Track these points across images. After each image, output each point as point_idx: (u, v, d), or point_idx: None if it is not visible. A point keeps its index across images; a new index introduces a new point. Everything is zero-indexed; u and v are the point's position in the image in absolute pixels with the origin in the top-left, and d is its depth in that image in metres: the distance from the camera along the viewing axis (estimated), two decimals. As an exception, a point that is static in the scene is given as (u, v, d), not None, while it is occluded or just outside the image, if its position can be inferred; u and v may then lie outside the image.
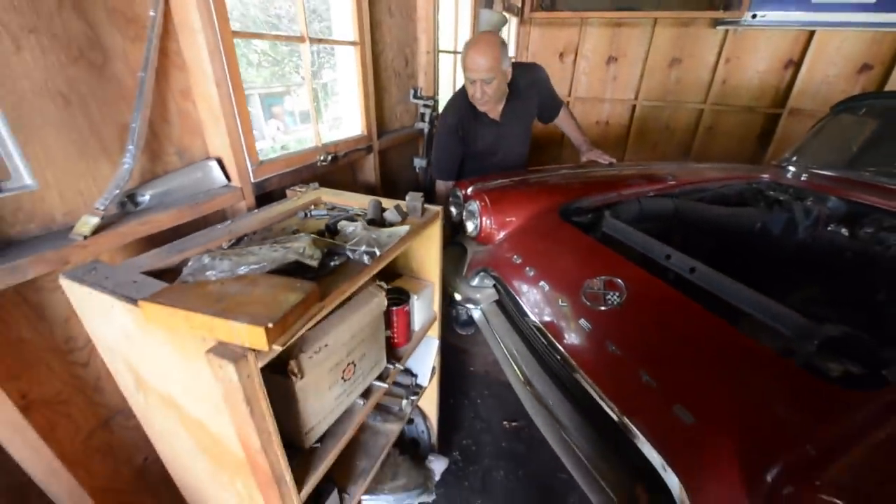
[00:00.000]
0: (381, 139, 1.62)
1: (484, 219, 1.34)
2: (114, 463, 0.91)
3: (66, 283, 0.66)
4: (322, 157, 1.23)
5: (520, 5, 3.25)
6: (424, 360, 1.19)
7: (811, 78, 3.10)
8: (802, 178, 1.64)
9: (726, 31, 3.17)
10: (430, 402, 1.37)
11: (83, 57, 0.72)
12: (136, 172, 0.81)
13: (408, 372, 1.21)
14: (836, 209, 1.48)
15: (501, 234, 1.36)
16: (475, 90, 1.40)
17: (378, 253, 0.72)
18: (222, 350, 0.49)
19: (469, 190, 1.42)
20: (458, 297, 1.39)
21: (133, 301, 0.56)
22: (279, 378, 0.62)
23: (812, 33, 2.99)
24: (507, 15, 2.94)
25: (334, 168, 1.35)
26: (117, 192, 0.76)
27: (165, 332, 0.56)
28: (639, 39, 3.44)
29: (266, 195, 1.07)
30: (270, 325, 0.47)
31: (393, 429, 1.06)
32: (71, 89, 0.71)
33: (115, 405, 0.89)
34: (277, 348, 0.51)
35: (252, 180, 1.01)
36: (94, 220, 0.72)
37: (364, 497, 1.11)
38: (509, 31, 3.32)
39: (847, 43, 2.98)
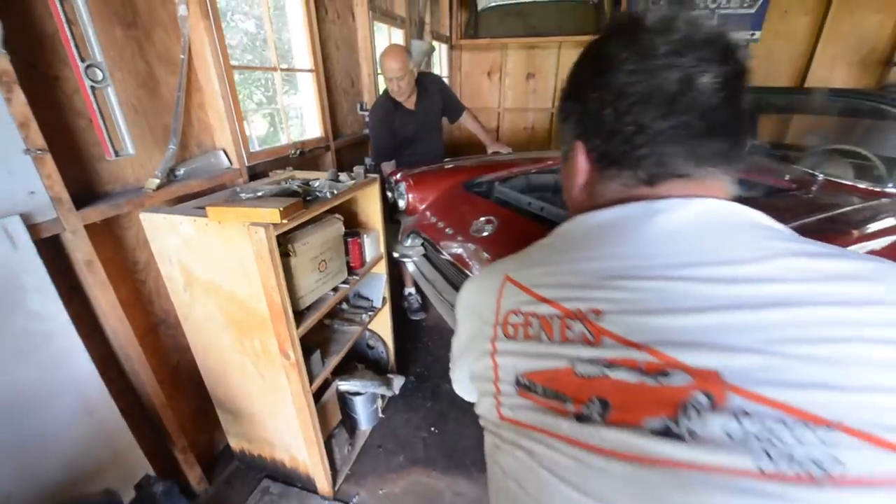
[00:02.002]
0: (336, 140, 2.12)
1: (409, 195, 1.85)
2: (157, 360, 1.32)
3: (144, 216, 1.11)
4: (293, 151, 1.71)
5: (448, 34, 3.88)
6: (377, 288, 1.67)
7: (682, 85, 3.90)
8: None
9: (615, 50, 3.94)
10: (386, 332, 1.85)
11: (144, 84, 1.18)
12: (175, 157, 1.26)
13: (365, 298, 1.69)
14: None
15: (423, 206, 1.87)
16: (393, 86, 1.93)
17: (336, 192, 1.21)
18: (255, 226, 0.96)
19: (398, 175, 1.93)
20: (396, 254, 1.88)
21: (202, 211, 1.03)
22: (282, 257, 1.09)
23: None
24: (436, 43, 3.55)
25: (302, 161, 1.83)
26: (165, 167, 1.22)
27: (217, 230, 1.02)
28: (549, 59, 4.17)
29: (255, 175, 1.54)
30: (281, 208, 0.96)
31: (355, 329, 1.53)
32: (139, 103, 1.17)
33: (160, 315, 1.31)
34: (285, 222, 0.99)
35: (246, 164, 1.48)
36: (156, 182, 1.17)
37: (339, 382, 1.56)
38: (440, 56, 3.95)
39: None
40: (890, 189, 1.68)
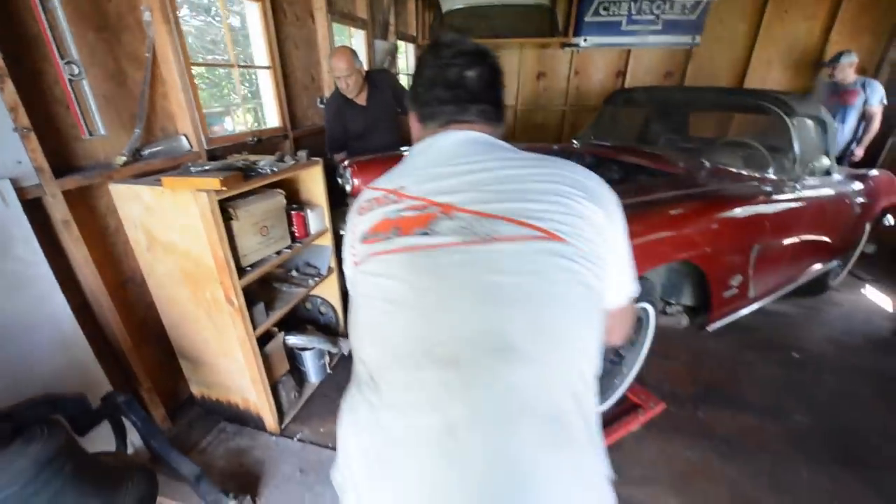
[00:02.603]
0: (295, 130, 2.36)
1: (354, 179, 2.09)
2: (126, 313, 1.55)
3: (112, 187, 1.35)
4: (251, 139, 1.96)
5: (415, 34, 4.13)
6: (323, 258, 1.92)
7: (634, 82, 4.21)
8: (574, 146, 2.56)
9: (572, 51, 4.22)
10: (336, 300, 2.09)
11: (114, 78, 1.42)
12: (140, 139, 1.50)
13: (313, 267, 1.94)
14: (595, 164, 2.38)
15: (367, 188, 2.13)
16: (342, 84, 2.15)
17: (276, 170, 1.46)
18: (200, 192, 1.21)
19: (346, 163, 2.17)
20: (342, 232, 2.12)
21: (159, 182, 1.27)
22: (226, 220, 1.33)
23: (629, 51, 4.10)
24: (402, 43, 3.80)
25: (261, 147, 2.07)
26: (132, 147, 1.45)
27: (171, 197, 1.26)
28: (512, 59, 4.44)
29: (215, 158, 1.77)
30: (221, 178, 1.20)
31: (301, 291, 1.77)
32: (109, 94, 1.40)
33: (128, 274, 1.55)
34: (225, 189, 1.23)
35: (205, 148, 1.72)
36: (123, 159, 1.41)
37: (287, 336, 1.81)
38: (407, 55, 4.19)
39: (653, 57, 4.11)
40: (768, 175, 1.97)
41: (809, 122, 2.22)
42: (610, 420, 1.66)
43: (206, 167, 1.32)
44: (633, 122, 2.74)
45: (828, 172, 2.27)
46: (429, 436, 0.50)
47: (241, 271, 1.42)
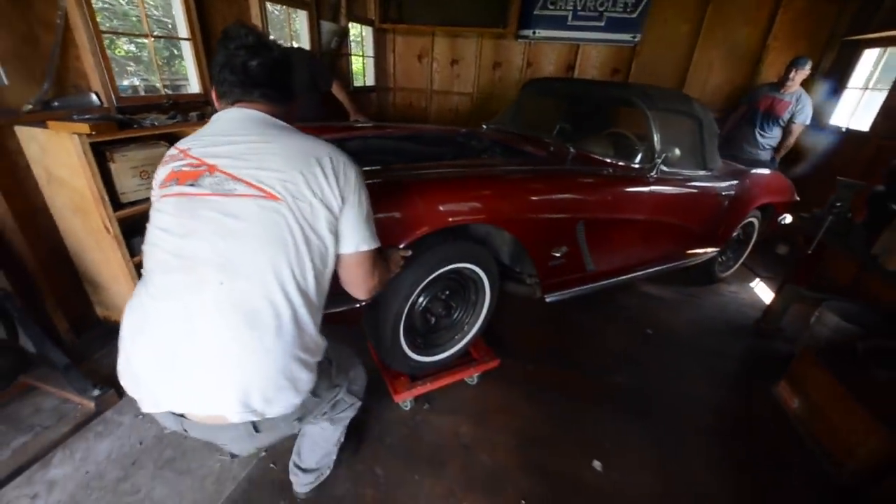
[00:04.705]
0: (221, 99, 2.64)
1: None
2: (37, 238, 1.86)
3: (19, 129, 1.65)
4: (166, 101, 2.24)
5: (373, 18, 4.34)
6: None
7: (583, 77, 4.37)
8: (484, 129, 2.78)
9: (525, 43, 4.40)
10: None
11: (26, 40, 1.70)
12: (50, 94, 1.79)
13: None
14: (489, 146, 2.60)
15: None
16: None
17: (156, 124, 1.74)
18: (75, 134, 1.50)
19: None
20: None
21: (44, 125, 1.56)
22: (105, 162, 1.62)
23: (578, 46, 4.26)
24: (360, 26, 4.01)
25: (180, 109, 2.35)
26: (40, 99, 1.74)
27: (57, 138, 1.55)
28: (471, 47, 4.62)
29: (124, 114, 2.06)
30: (91, 124, 1.49)
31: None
32: (19, 50, 1.69)
33: (38, 205, 1.85)
34: (94, 134, 1.51)
35: (115, 105, 2.01)
36: (29, 107, 1.70)
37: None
38: (362, 38, 4.41)
39: (601, 53, 4.27)
40: (631, 164, 2.18)
41: (677, 118, 2.42)
42: (449, 367, 1.86)
43: (88, 116, 1.61)
44: (542, 110, 2.95)
45: (703, 167, 2.48)
46: (173, 313, 0.79)
47: (121, 206, 1.71)
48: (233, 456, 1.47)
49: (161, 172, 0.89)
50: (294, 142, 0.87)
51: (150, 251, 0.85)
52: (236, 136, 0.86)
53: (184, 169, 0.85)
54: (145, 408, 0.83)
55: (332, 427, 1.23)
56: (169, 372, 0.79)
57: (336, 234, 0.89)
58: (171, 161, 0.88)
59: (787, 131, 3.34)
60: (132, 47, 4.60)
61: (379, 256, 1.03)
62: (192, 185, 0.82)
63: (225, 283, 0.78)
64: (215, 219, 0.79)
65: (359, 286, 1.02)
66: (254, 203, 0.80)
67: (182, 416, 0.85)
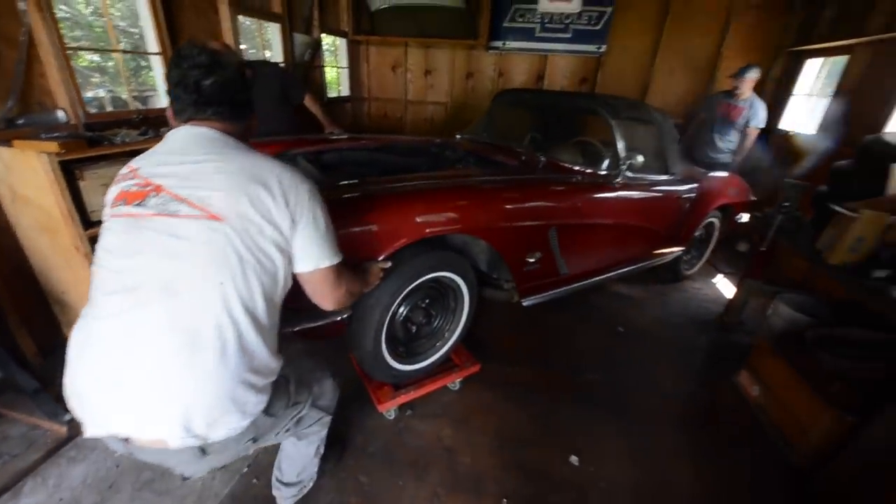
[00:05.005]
0: (193, 112, 2.62)
1: None
2: (2, 261, 1.81)
3: (-20, 148, 1.61)
4: (136, 116, 2.21)
5: (346, 30, 4.38)
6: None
7: (552, 86, 4.52)
8: (458, 139, 2.85)
9: (496, 53, 4.52)
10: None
11: (-14, 56, 1.67)
12: (14, 111, 1.75)
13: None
14: (463, 156, 2.67)
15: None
16: None
17: (126, 141, 1.73)
18: (43, 153, 1.47)
19: None
20: None
21: (9, 144, 1.53)
22: (74, 180, 1.60)
23: (547, 57, 4.41)
24: (333, 38, 4.04)
25: (151, 125, 2.33)
26: (3, 117, 1.70)
27: (23, 157, 1.52)
28: (444, 58, 4.72)
29: (92, 130, 2.03)
30: (60, 143, 1.47)
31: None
32: (-20, 69, 1.65)
33: (1, 224, 1.80)
34: (63, 152, 1.50)
35: (83, 121, 1.97)
36: (-8, 126, 1.66)
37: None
38: (336, 48, 4.44)
39: (569, 63, 4.43)
40: (598, 170, 2.29)
41: (639, 126, 2.56)
42: (431, 374, 1.88)
43: (56, 134, 1.59)
44: (513, 120, 3.06)
45: (665, 171, 2.62)
46: (114, 334, 0.79)
47: (91, 224, 1.69)
48: (184, 478, 1.38)
49: (112, 192, 0.90)
50: (242, 162, 0.87)
51: (96, 271, 0.85)
52: (186, 155, 0.87)
53: (132, 189, 0.85)
54: (88, 431, 0.80)
55: (303, 442, 1.23)
56: (109, 394, 0.77)
57: (287, 254, 0.89)
58: (122, 180, 0.89)
59: (744, 135, 3.55)
60: (96, 58, 4.51)
61: (343, 268, 1.02)
62: (138, 205, 0.82)
63: (166, 303, 0.77)
64: (159, 239, 0.80)
65: (325, 299, 1.02)
66: (197, 223, 0.80)
67: (126, 439, 0.83)
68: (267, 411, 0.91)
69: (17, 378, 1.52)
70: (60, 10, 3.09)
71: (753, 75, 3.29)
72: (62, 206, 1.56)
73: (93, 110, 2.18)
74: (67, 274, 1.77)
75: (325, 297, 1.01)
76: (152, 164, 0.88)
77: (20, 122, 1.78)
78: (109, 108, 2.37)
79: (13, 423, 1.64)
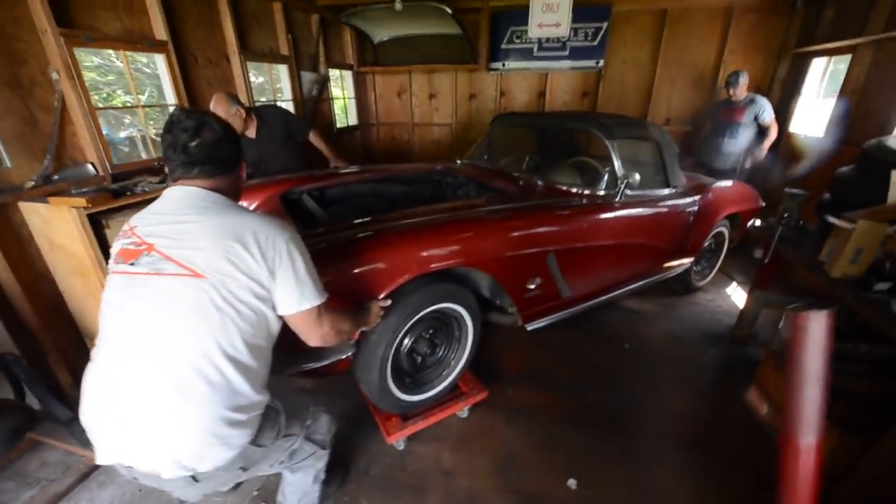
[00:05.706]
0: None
1: None
2: (39, 301, 2.01)
3: (21, 205, 1.81)
4: (157, 164, 2.42)
5: (352, 63, 4.59)
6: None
7: (554, 103, 4.58)
8: (458, 165, 2.94)
9: (497, 74, 4.63)
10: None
11: (28, 122, 1.89)
12: (50, 169, 1.96)
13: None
14: (463, 182, 2.74)
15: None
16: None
17: (147, 190, 1.90)
18: (74, 208, 1.65)
19: None
20: None
21: (45, 200, 1.72)
22: (101, 229, 1.77)
23: (547, 74, 4.49)
24: (338, 70, 4.25)
25: (172, 169, 2.53)
26: (42, 174, 1.91)
27: (57, 211, 1.71)
28: (447, 81, 4.87)
29: (118, 180, 2.23)
30: (87, 198, 1.65)
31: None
32: (23, 135, 1.87)
33: (40, 270, 2.00)
34: (90, 206, 1.67)
35: (110, 172, 2.18)
36: (31, 183, 1.87)
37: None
38: (342, 82, 4.66)
39: (569, 79, 4.49)
40: (597, 191, 2.32)
41: (636, 143, 2.58)
42: (439, 402, 1.91)
43: (85, 189, 1.77)
44: (510, 143, 3.13)
45: (666, 185, 2.62)
46: (110, 380, 0.91)
47: (117, 268, 1.86)
48: (181, 502, 1.51)
49: (115, 247, 0.99)
50: (222, 220, 0.95)
51: (101, 319, 0.95)
52: (176, 215, 0.96)
53: (129, 247, 0.95)
54: (98, 459, 0.91)
55: (298, 474, 1.30)
56: (112, 430, 0.89)
57: (269, 301, 0.97)
58: (123, 238, 0.98)
59: (761, 133, 3.51)
60: (129, 99, 4.92)
61: (326, 308, 1.07)
62: (132, 264, 0.92)
63: (155, 354, 0.88)
64: (149, 296, 0.90)
65: (310, 337, 1.08)
66: (181, 282, 0.89)
67: (130, 467, 0.93)
68: (255, 442, 0.99)
69: (54, 409, 1.68)
70: (92, 61, 3.40)
71: (744, 80, 3.41)
72: (90, 253, 1.74)
73: (124, 148, 2.39)
74: (97, 313, 1.94)
75: (309, 335, 1.08)
76: (148, 223, 0.98)
77: (55, 178, 1.99)
78: (140, 146, 2.62)
79: (51, 450, 1.80)
